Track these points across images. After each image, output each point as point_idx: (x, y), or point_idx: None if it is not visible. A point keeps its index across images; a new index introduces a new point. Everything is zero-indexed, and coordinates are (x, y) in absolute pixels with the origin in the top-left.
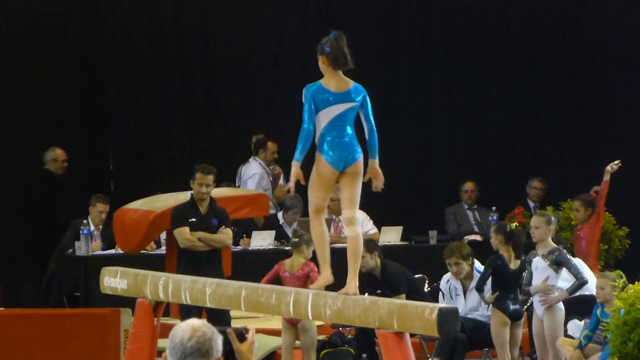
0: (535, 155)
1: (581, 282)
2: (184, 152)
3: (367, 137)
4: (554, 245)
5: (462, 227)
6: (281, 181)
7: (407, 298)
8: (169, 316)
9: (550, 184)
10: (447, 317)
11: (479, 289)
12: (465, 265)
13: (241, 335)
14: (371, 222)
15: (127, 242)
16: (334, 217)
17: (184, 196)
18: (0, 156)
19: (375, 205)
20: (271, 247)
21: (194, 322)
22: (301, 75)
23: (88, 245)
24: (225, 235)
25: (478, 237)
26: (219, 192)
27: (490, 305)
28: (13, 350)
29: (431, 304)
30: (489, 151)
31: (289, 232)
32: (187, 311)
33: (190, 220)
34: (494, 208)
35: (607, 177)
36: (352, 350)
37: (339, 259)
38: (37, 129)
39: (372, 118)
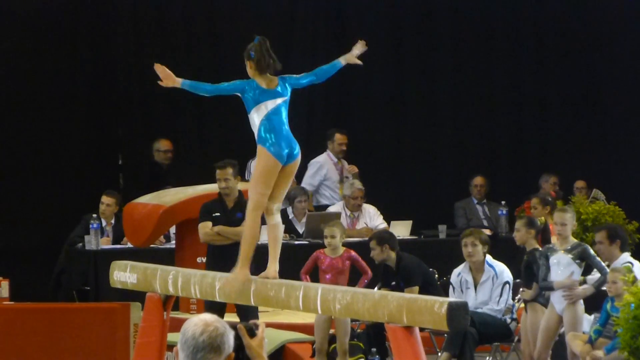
0: (544, 150)
1: (606, 277)
2: (192, 147)
3: (325, 68)
4: (575, 240)
5: (472, 221)
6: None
7: (421, 290)
8: (178, 310)
9: (559, 179)
10: (457, 311)
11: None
12: (480, 249)
13: (251, 330)
14: (381, 216)
15: (136, 236)
16: (347, 212)
17: (192, 190)
18: (9, 151)
19: (385, 200)
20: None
21: (206, 316)
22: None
23: (98, 240)
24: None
25: (488, 232)
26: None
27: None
28: (23, 345)
29: (441, 298)
30: (498, 146)
31: (298, 227)
32: (211, 306)
33: (214, 215)
34: (503, 202)
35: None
36: (361, 344)
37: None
38: (46, 124)
39: (305, 76)
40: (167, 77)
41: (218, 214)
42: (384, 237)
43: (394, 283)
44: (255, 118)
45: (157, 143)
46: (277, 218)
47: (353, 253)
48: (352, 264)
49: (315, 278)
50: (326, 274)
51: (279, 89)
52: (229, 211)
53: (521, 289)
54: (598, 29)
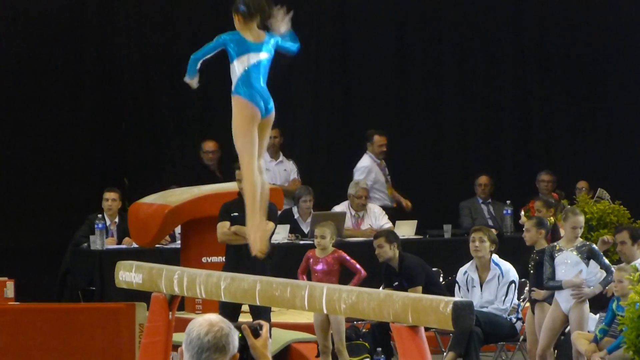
0: (549, 149)
1: (613, 276)
2: (198, 148)
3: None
4: (581, 239)
5: (477, 221)
6: (295, 175)
7: (424, 290)
8: (184, 310)
9: (564, 178)
10: (462, 310)
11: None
12: (487, 245)
13: (255, 331)
14: (386, 216)
15: (141, 236)
16: (352, 212)
17: (198, 190)
18: (13, 151)
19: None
20: (286, 240)
21: (211, 317)
22: (314, 71)
23: (103, 240)
24: None
25: (493, 231)
26: (232, 186)
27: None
28: (28, 345)
29: (446, 298)
30: (503, 145)
31: (303, 226)
32: (224, 306)
33: (232, 214)
34: (508, 202)
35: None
36: (366, 344)
37: (360, 251)
38: (50, 124)
39: (288, 41)
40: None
41: (236, 213)
42: (392, 236)
43: (396, 283)
44: (237, 68)
45: (203, 144)
46: (265, 176)
47: (342, 253)
48: (341, 264)
49: (308, 278)
50: (315, 274)
51: (265, 44)
52: None
53: (531, 289)
54: (603, 29)
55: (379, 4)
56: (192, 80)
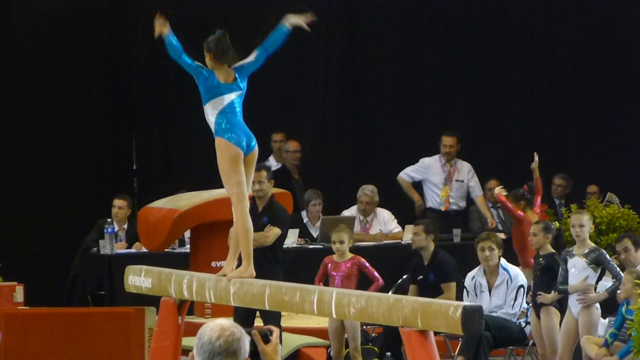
0: (558, 153)
1: (621, 282)
2: (207, 152)
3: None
4: (592, 244)
5: (486, 225)
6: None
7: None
8: (193, 315)
9: (574, 182)
10: (472, 315)
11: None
12: (497, 253)
13: (266, 336)
14: (395, 221)
15: (151, 240)
16: (361, 217)
17: (207, 195)
18: (23, 156)
19: (399, 204)
20: (295, 245)
21: (222, 321)
22: (324, 72)
23: (112, 244)
24: (263, 233)
25: (502, 235)
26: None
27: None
28: (38, 349)
29: (455, 302)
30: (512, 149)
31: (312, 230)
32: (239, 311)
33: None
34: None
35: (536, 174)
36: (376, 348)
37: (368, 255)
38: (60, 129)
39: (256, 59)
40: (162, 25)
41: None
42: (431, 227)
43: (421, 277)
44: (210, 111)
45: (286, 144)
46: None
47: (361, 259)
48: (360, 270)
49: (326, 284)
50: (334, 280)
51: (236, 83)
52: (257, 215)
53: (537, 293)
54: (615, 34)
55: (388, 9)
56: (162, 32)
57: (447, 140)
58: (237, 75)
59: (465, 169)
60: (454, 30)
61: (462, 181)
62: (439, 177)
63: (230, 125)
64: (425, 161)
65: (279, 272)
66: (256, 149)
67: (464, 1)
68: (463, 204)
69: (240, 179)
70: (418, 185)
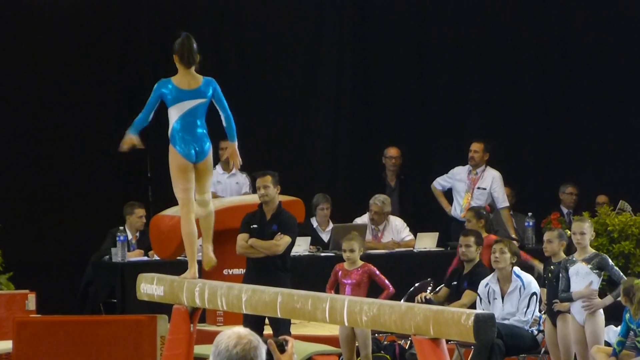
0: (570, 161)
1: None
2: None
3: (224, 124)
4: (593, 250)
5: (498, 232)
6: (247, 189)
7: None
8: (205, 322)
9: (586, 190)
10: (484, 323)
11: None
12: (508, 257)
13: (281, 346)
14: (407, 228)
15: (163, 248)
16: (372, 226)
17: (219, 202)
18: (35, 164)
19: (412, 212)
20: (307, 253)
21: (239, 329)
22: (336, 77)
23: (124, 252)
24: (274, 242)
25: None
26: (254, 198)
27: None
28: (50, 357)
29: (467, 310)
30: (524, 157)
31: (323, 235)
32: (248, 319)
33: (252, 226)
34: (530, 214)
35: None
36: (388, 356)
37: (379, 263)
38: (73, 137)
39: (226, 106)
40: (125, 143)
41: (255, 225)
42: (481, 240)
43: (455, 283)
44: (172, 115)
45: (387, 150)
46: (211, 207)
47: (371, 267)
48: (370, 278)
49: (336, 292)
50: (345, 287)
51: (200, 88)
52: (266, 223)
53: (553, 301)
54: (627, 41)
55: (400, 6)
56: (135, 137)
57: (473, 146)
58: (204, 83)
59: (490, 178)
60: (465, 37)
61: (485, 189)
62: (464, 185)
63: (183, 134)
64: (455, 169)
65: (288, 280)
66: (209, 154)
67: (477, 3)
68: None
69: (187, 185)
70: (450, 194)
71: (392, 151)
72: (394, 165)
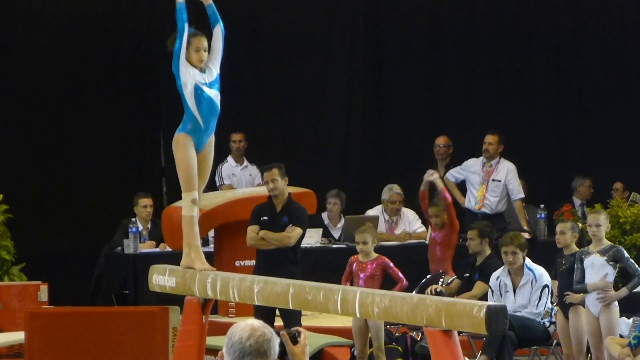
0: (583, 153)
1: None
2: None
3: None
4: (609, 242)
5: (510, 225)
6: (260, 181)
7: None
8: (217, 314)
9: (598, 182)
10: (496, 315)
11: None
12: (520, 256)
13: (294, 337)
14: (419, 221)
15: (175, 239)
16: (386, 217)
17: (231, 194)
18: (48, 155)
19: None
20: (318, 244)
21: (253, 322)
22: (348, 72)
23: (136, 244)
24: (286, 234)
25: (526, 235)
26: (263, 190)
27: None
28: (62, 349)
29: (479, 302)
30: (536, 149)
31: (334, 232)
32: (260, 310)
33: (262, 218)
34: (542, 206)
35: (440, 185)
36: (399, 348)
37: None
38: (87, 129)
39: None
40: None
41: (266, 217)
42: (485, 231)
43: (467, 275)
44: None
45: (437, 139)
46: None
47: (385, 259)
48: (384, 271)
49: (350, 284)
50: (358, 279)
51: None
52: (277, 215)
53: (565, 293)
54: (639, 30)
55: (411, 8)
56: None
57: (487, 138)
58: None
59: (504, 170)
60: (479, 33)
61: (500, 181)
62: (478, 177)
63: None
64: (468, 161)
65: (297, 272)
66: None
67: (489, 2)
68: (501, 206)
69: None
70: (463, 186)
71: (441, 140)
72: (439, 154)
